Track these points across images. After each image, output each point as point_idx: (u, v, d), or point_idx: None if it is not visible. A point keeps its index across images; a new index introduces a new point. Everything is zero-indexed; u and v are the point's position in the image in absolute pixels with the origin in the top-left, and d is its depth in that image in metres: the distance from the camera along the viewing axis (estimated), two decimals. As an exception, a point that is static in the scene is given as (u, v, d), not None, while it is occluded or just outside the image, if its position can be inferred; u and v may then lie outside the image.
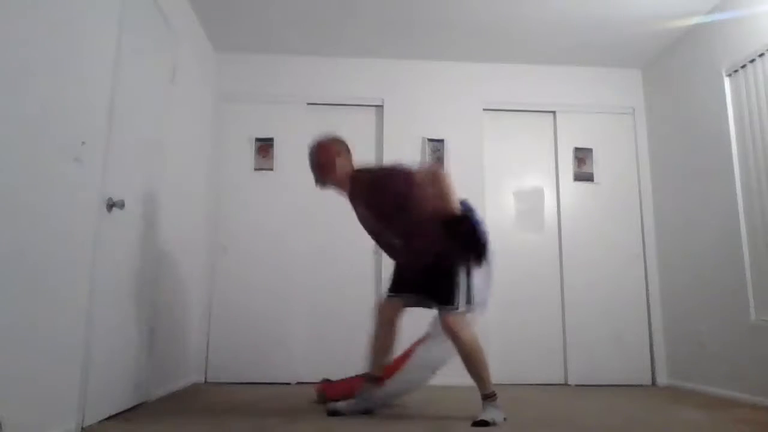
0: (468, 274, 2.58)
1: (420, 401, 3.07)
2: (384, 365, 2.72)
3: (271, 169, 4.22)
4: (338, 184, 2.65)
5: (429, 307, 2.62)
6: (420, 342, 2.86)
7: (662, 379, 4.09)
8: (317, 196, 4.26)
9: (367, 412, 2.67)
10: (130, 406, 2.70)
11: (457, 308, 2.52)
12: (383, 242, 2.74)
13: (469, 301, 2.56)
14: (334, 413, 2.61)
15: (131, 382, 2.73)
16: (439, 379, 3.87)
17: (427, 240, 2.52)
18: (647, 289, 4.25)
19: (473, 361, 2.57)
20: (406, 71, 4.47)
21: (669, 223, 4.17)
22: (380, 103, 4.39)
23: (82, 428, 2.22)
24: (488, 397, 2.55)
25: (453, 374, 3.99)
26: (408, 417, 2.64)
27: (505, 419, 2.49)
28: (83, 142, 2.19)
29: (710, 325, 3.64)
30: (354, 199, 2.67)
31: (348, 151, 2.68)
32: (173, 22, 3.30)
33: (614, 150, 4.46)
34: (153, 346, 3.01)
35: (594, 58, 4.42)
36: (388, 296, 2.70)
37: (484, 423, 2.40)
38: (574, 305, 4.20)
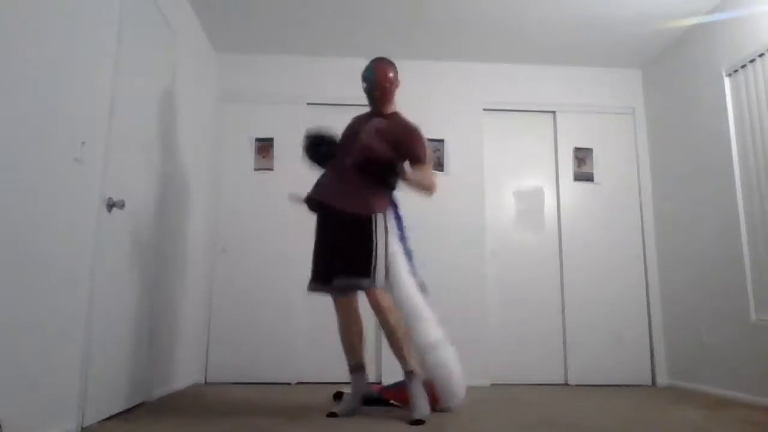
0: (386, 246, 2.66)
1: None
2: (358, 353, 2.76)
3: (271, 169, 4.22)
4: (387, 106, 2.87)
5: (354, 288, 2.67)
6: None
7: (662, 379, 4.09)
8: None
9: (367, 402, 2.72)
10: (130, 406, 2.71)
11: (378, 284, 2.59)
12: (353, 161, 2.68)
13: (422, 286, 2.73)
14: (332, 415, 2.61)
15: (131, 382, 2.73)
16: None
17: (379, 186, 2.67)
18: (647, 289, 4.25)
19: (396, 339, 2.62)
20: (406, 71, 4.44)
21: (669, 223, 4.17)
22: (380, 103, 4.38)
23: (82, 428, 2.22)
24: (410, 374, 2.59)
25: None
26: (408, 416, 2.64)
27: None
28: (83, 142, 2.19)
29: (710, 325, 3.64)
30: (383, 123, 2.79)
31: None
32: (173, 22, 3.30)
33: (614, 150, 4.46)
34: (153, 346, 3.01)
35: (594, 58, 4.42)
36: (320, 290, 2.71)
37: (418, 422, 2.43)
38: (574, 305, 4.20)
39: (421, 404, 2.53)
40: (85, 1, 2.23)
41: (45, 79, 1.94)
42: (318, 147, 2.83)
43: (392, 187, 2.72)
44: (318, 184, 2.78)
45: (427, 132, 4.56)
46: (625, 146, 4.48)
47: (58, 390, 2.06)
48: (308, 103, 4.36)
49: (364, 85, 2.86)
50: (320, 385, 3.73)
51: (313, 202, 2.75)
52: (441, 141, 4.33)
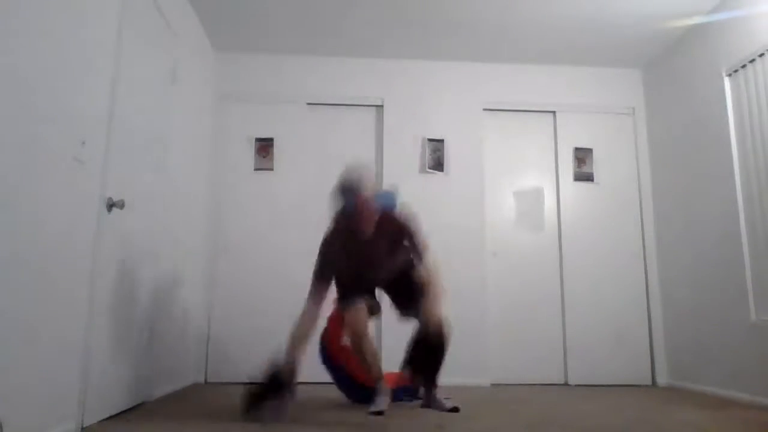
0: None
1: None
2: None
3: (271, 169, 4.22)
4: (370, 226, 2.71)
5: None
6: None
7: (662, 379, 4.09)
8: (317, 195, 4.27)
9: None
10: (130, 406, 2.71)
11: (355, 303, 2.69)
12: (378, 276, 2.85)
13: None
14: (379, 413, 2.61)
15: (131, 382, 2.73)
16: (440, 380, 3.88)
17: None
18: (647, 290, 4.25)
19: (364, 352, 2.71)
20: (406, 71, 4.47)
21: (669, 223, 4.17)
22: (380, 103, 4.39)
23: (82, 428, 2.22)
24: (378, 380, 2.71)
25: (454, 374, 4.00)
26: (409, 416, 2.64)
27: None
28: (83, 142, 2.19)
29: (710, 325, 3.64)
30: (374, 233, 2.73)
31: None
32: (173, 22, 3.30)
33: (614, 150, 4.46)
34: (153, 347, 3.01)
35: (594, 58, 4.42)
36: (358, 301, 2.76)
37: (378, 413, 2.53)
38: (574, 305, 4.20)
39: (380, 399, 2.64)
40: (86, 1, 2.23)
41: (45, 78, 1.93)
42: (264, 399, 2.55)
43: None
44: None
45: (427, 132, 4.57)
46: (625, 146, 4.48)
47: (58, 390, 2.06)
48: (308, 103, 4.37)
49: (345, 209, 2.69)
50: (320, 385, 3.73)
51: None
52: (441, 141, 4.33)
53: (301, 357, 2.62)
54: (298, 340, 2.62)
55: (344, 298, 2.78)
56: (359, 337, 2.70)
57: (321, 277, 2.70)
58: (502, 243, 4.31)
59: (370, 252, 2.75)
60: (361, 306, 2.73)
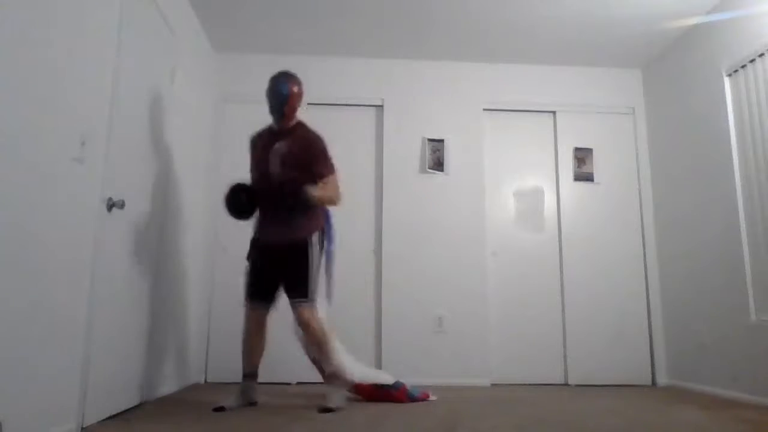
0: (321, 262, 2.88)
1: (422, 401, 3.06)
2: (256, 365, 2.99)
3: (271, 169, 4.22)
4: (287, 123, 2.93)
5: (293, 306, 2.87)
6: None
7: (662, 379, 4.09)
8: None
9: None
10: (130, 406, 2.71)
11: (312, 300, 2.81)
12: (275, 194, 2.87)
13: (328, 294, 2.90)
14: (220, 409, 2.77)
15: (131, 382, 2.73)
16: (440, 380, 3.88)
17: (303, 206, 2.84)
18: (647, 289, 4.25)
19: (324, 347, 2.86)
20: (406, 71, 4.48)
21: (669, 223, 4.17)
22: (380, 103, 4.39)
23: (82, 428, 2.22)
24: (331, 374, 2.87)
25: (454, 374, 4.01)
26: (410, 416, 2.64)
27: (348, 398, 2.85)
28: (83, 142, 2.19)
29: (710, 325, 3.64)
30: (286, 136, 2.91)
31: None
32: (173, 22, 3.30)
33: (614, 150, 4.47)
34: (153, 346, 3.01)
35: (594, 58, 4.42)
36: (255, 304, 2.91)
37: (329, 410, 2.68)
38: (574, 305, 4.20)
39: (337, 397, 2.79)
40: (85, 1, 2.23)
41: (45, 79, 1.93)
42: (238, 198, 2.90)
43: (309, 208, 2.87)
44: (258, 224, 2.98)
45: (427, 132, 4.57)
46: (625, 146, 4.48)
47: (58, 390, 2.06)
48: (308, 103, 4.36)
49: (276, 99, 2.88)
50: (320, 385, 3.73)
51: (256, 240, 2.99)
52: (441, 141, 4.33)
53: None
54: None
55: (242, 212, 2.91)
56: (245, 331, 2.94)
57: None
58: (502, 243, 4.31)
59: (277, 153, 2.88)
60: (258, 307, 2.90)
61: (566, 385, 4.08)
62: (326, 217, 3.03)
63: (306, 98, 2.97)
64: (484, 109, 4.46)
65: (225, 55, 4.36)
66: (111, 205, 2.42)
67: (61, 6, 2.03)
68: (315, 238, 2.87)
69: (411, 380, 3.23)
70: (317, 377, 3.90)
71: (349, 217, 3.98)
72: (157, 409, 2.78)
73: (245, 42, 4.24)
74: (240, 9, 3.77)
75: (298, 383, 3.88)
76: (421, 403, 3.05)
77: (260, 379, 3.85)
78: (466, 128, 4.39)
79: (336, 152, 4.33)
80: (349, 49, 4.31)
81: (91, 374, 2.28)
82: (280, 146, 2.89)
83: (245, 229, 4.18)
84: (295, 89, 2.89)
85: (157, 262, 3.06)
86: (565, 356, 4.14)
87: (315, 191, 2.83)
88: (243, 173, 4.25)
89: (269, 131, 3.00)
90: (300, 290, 2.81)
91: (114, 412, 2.52)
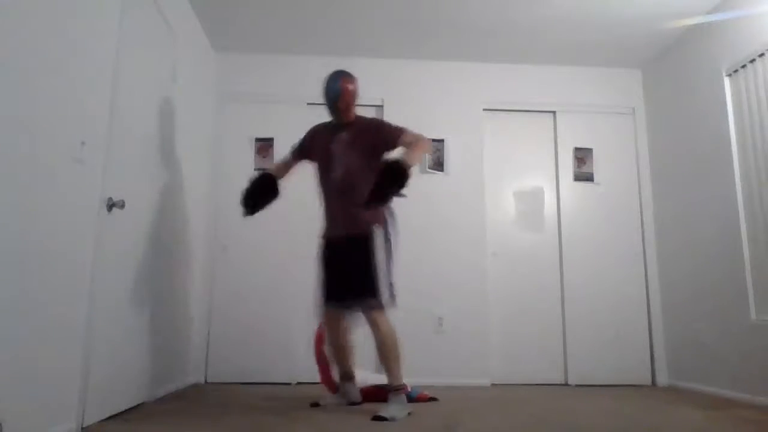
0: (388, 262, 2.74)
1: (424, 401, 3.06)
2: (349, 366, 2.94)
3: (271, 169, 4.22)
4: (346, 115, 2.90)
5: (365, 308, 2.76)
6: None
7: (662, 379, 4.09)
8: (317, 195, 4.26)
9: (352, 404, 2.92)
10: (130, 406, 2.70)
11: (382, 303, 2.67)
12: (338, 187, 2.82)
13: (391, 294, 2.72)
14: (315, 405, 2.87)
15: (131, 382, 2.73)
16: (441, 380, 3.88)
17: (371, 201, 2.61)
18: (647, 289, 4.25)
19: (389, 353, 2.70)
20: (406, 71, 4.47)
21: (669, 223, 4.17)
22: (380, 103, 4.39)
23: (82, 428, 2.22)
24: (397, 389, 2.67)
25: (454, 374, 4.00)
26: (410, 416, 2.64)
27: (409, 413, 2.62)
28: (83, 142, 2.19)
29: (710, 325, 3.64)
30: (348, 129, 2.87)
31: None
32: (173, 22, 3.30)
33: (614, 150, 4.46)
34: (153, 347, 3.01)
35: (594, 58, 4.42)
36: (325, 307, 2.85)
37: (381, 418, 2.50)
38: (574, 305, 4.20)
39: (396, 408, 2.60)
40: (86, 1, 2.23)
41: (45, 79, 1.94)
42: (254, 196, 2.95)
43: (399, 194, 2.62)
44: (324, 219, 2.91)
45: (427, 132, 4.58)
46: (625, 146, 4.48)
47: (58, 390, 2.06)
48: (308, 103, 4.36)
49: (329, 96, 2.87)
50: (320, 385, 3.73)
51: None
52: (441, 141, 4.33)
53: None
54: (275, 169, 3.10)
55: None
56: (328, 337, 2.90)
57: (293, 155, 3.10)
58: (502, 243, 4.31)
59: (342, 151, 2.83)
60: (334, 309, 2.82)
61: (566, 385, 4.08)
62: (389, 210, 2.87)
63: (359, 95, 3.00)
64: (484, 109, 4.46)
65: (225, 55, 4.36)
66: (111, 205, 2.42)
67: (61, 6, 2.03)
68: (378, 230, 2.72)
69: (411, 380, 3.22)
70: (317, 377, 3.92)
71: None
72: (157, 409, 2.78)
73: (245, 42, 4.24)
74: (240, 9, 3.77)
75: (298, 383, 3.87)
76: (420, 403, 3.04)
77: (260, 379, 3.88)
78: (466, 128, 4.39)
79: (336, 152, 4.35)
80: (349, 49, 4.31)
81: (91, 374, 2.28)
82: (344, 137, 2.85)
83: (245, 229, 4.19)
84: (349, 86, 2.87)
85: (157, 261, 3.06)
86: (565, 356, 4.14)
87: (407, 156, 2.58)
88: (242, 173, 4.26)
89: (326, 127, 2.98)
90: (367, 288, 2.65)
91: (114, 412, 2.52)
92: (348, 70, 2.97)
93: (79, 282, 2.19)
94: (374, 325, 2.68)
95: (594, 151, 4.44)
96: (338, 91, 2.84)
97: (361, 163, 2.75)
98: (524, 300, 4.21)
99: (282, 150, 4.24)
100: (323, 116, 4.33)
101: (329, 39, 4.17)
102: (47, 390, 1.99)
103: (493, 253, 4.27)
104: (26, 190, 1.84)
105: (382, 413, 2.52)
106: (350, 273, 2.71)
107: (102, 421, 2.39)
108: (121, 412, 2.59)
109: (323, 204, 2.91)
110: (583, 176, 4.41)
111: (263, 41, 4.22)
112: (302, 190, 4.21)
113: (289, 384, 3.86)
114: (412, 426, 2.42)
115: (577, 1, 3.65)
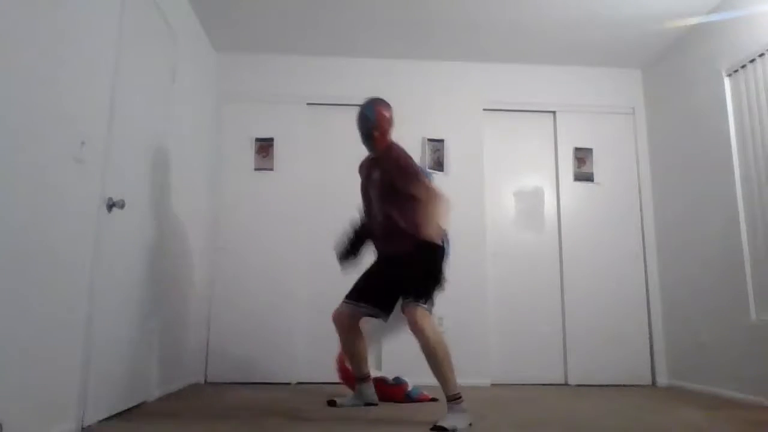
0: (440, 266, 2.62)
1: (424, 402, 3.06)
2: (365, 366, 2.90)
3: (271, 169, 4.22)
4: (379, 147, 2.81)
5: (378, 316, 2.77)
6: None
7: (662, 379, 4.09)
8: (317, 195, 4.28)
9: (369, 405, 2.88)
10: (130, 406, 2.70)
11: (426, 304, 2.52)
12: (375, 216, 2.82)
13: (430, 302, 2.58)
14: (332, 403, 2.87)
15: (131, 382, 2.73)
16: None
17: (407, 232, 2.61)
18: (647, 289, 4.25)
19: (438, 360, 2.46)
20: (406, 71, 4.47)
21: (669, 223, 4.17)
22: (380, 103, 4.38)
23: (82, 428, 2.22)
24: (453, 399, 2.44)
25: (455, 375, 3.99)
26: (412, 416, 2.64)
27: (470, 425, 2.39)
28: (83, 142, 2.19)
29: (710, 325, 3.64)
30: (379, 163, 2.79)
31: None
32: (173, 22, 3.30)
33: (614, 150, 4.46)
34: (153, 346, 3.01)
35: (594, 58, 4.42)
36: (344, 302, 2.79)
37: (441, 429, 2.29)
38: (574, 305, 4.20)
39: (455, 419, 2.37)
40: (86, 1, 2.23)
41: (45, 79, 1.93)
42: (348, 252, 2.94)
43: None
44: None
45: (427, 132, 4.58)
46: (625, 146, 4.48)
47: (58, 390, 2.06)
48: (308, 103, 4.37)
49: (363, 123, 2.79)
50: (320, 385, 3.73)
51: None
52: (441, 141, 4.33)
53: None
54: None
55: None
56: (339, 335, 2.84)
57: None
58: (502, 243, 4.31)
59: (374, 185, 2.79)
60: (352, 307, 2.78)
61: (566, 385, 4.08)
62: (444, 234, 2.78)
63: (392, 125, 2.90)
64: (484, 109, 4.46)
65: (225, 55, 4.36)
66: (111, 205, 2.42)
67: (61, 6, 2.03)
68: (427, 243, 2.51)
69: (411, 380, 3.22)
70: (317, 377, 3.92)
71: (348, 215, 3.97)
72: (157, 409, 2.78)
73: (245, 42, 4.24)
74: (240, 9, 3.77)
75: (298, 383, 3.88)
76: (420, 403, 3.05)
77: (260, 379, 3.88)
78: (466, 128, 4.39)
79: (336, 153, 4.36)
80: (349, 49, 4.31)
81: (91, 374, 2.28)
82: (375, 176, 2.79)
83: (245, 229, 4.19)
84: (385, 113, 2.79)
85: (157, 261, 3.06)
86: (565, 356, 4.14)
87: (423, 224, 2.50)
88: (242, 173, 4.28)
89: (369, 159, 2.92)
90: (412, 290, 2.51)
91: (114, 412, 2.52)
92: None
93: (78, 281, 2.19)
94: (419, 332, 2.46)
95: (594, 151, 4.44)
96: (373, 119, 2.76)
97: (395, 201, 2.69)
98: (524, 300, 4.21)
99: (282, 150, 4.26)
100: (323, 116, 4.36)
101: (329, 39, 4.17)
102: (47, 390, 1.98)
103: (493, 253, 4.27)
104: (26, 190, 1.84)
105: (442, 423, 2.31)
106: (396, 276, 2.62)
107: (102, 421, 2.39)
108: (121, 412, 2.59)
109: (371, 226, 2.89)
110: (583, 176, 4.41)
111: (263, 41, 4.22)
112: (303, 192, 4.23)
113: (288, 384, 3.86)
114: (411, 426, 2.42)
115: (577, 1, 3.65)
